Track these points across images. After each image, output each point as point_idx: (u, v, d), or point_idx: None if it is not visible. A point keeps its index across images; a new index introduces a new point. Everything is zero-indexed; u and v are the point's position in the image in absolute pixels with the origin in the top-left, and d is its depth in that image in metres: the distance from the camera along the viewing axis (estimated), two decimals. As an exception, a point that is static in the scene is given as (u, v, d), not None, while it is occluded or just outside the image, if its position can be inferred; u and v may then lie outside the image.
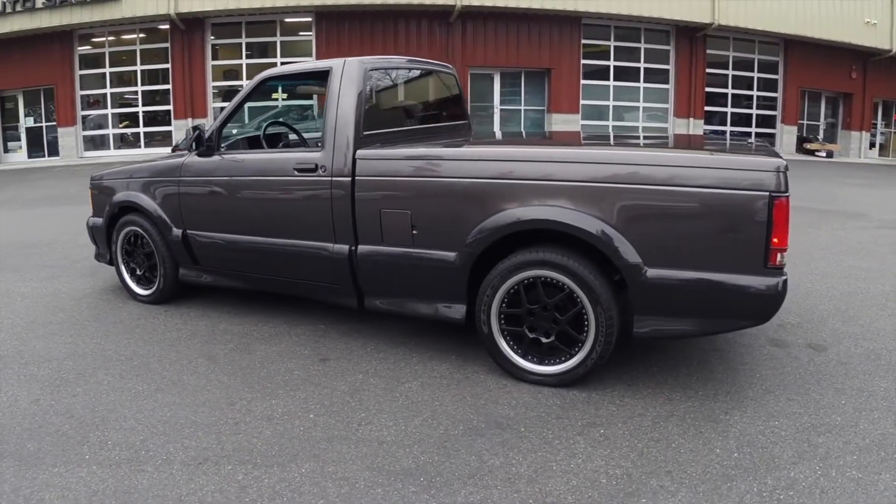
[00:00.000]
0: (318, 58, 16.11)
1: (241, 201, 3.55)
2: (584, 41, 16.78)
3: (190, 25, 15.60)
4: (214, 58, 16.19)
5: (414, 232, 3.05)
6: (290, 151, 3.55)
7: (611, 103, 17.25)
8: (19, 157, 16.50)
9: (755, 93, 17.86)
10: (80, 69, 16.08)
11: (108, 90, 16.18)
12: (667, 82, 17.31)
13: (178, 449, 2.32)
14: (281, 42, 16.62)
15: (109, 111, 16.16)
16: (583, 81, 16.95)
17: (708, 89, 17.21)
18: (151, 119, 16.29)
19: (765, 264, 2.52)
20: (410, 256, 3.07)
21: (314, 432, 2.43)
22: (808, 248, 5.52)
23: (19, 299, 4.17)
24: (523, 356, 2.89)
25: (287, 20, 16.43)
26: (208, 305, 3.98)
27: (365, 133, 3.23)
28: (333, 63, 3.33)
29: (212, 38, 16.18)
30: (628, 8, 15.66)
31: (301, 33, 16.51)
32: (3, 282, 4.62)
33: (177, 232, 3.80)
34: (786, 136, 17.84)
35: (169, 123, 15.96)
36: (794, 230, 6.12)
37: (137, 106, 16.01)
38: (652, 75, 17.29)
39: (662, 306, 2.70)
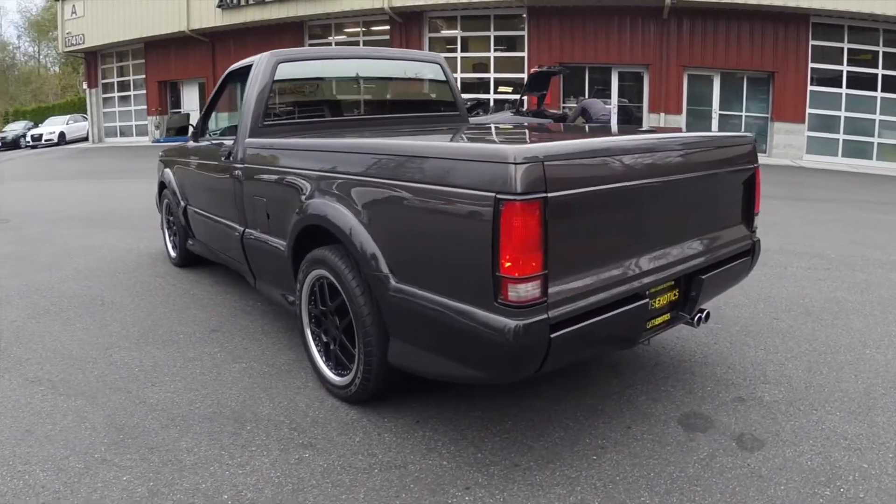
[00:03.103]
0: (529, 53, 16.81)
1: (202, 181, 4.24)
2: (812, 42, 14.73)
3: (407, 18, 17.30)
4: (430, 50, 17.70)
5: (268, 219, 3.22)
6: (227, 139, 3.91)
7: (842, 114, 14.92)
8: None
9: None
10: (309, 58, 18.92)
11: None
12: (908, 93, 14.39)
13: (34, 369, 3.21)
14: (494, 36, 17.55)
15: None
16: (811, 88, 14.93)
17: (959, 104, 13.87)
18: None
19: (494, 297, 1.88)
20: (264, 241, 3.28)
21: (117, 382, 3.06)
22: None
23: (103, 251, 5.65)
24: (326, 360, 2.87)
25: (500, 14, 17.25)
26: (211, 274, 4.90)
27: (265, 123, 3.41)
28: (256, 57, 3.59)
29: (429, 32, 17.71)
30: (858, 5, 13.34)
31: (514, 28, 17.21)
32: (106, 236, 6.22)
33: (182, 205, 4.72)
34: None
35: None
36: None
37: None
38: (891, 84, 14.52)
39: (408, 332, 2.31)
